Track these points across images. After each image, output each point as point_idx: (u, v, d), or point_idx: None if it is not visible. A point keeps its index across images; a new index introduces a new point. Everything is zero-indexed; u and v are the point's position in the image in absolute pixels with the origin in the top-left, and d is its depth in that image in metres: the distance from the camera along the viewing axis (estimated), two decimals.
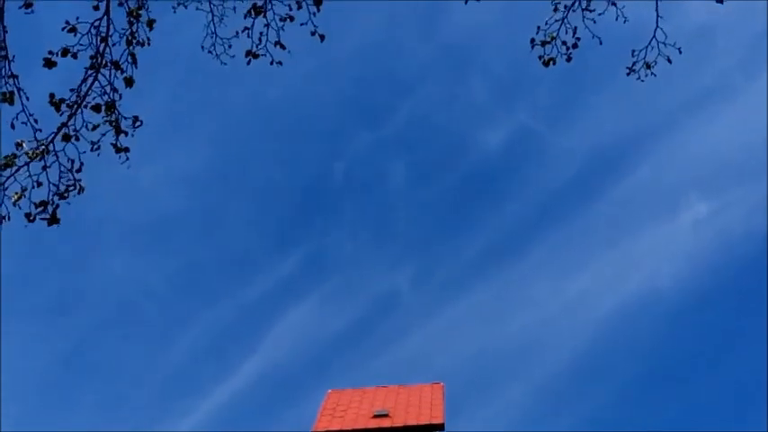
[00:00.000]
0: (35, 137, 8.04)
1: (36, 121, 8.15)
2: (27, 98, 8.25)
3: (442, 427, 22.79)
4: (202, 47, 9.45)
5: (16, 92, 8.23)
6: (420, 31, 38.76)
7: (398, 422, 23.04)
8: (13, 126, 8.09)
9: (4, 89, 8.19)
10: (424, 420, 22.99)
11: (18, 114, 8.16)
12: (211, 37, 9.44)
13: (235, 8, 9.41)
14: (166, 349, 43.47)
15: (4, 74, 8.27)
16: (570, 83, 40.75)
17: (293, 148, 44.87)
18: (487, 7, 9.91)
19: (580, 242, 44.09)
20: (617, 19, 9.89)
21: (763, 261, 35.31)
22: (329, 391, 25.02)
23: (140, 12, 8.37)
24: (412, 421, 23.04)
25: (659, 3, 9.92)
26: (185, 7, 8.83)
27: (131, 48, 8.47)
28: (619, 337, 42.28)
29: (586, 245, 44.97)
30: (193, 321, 43.83)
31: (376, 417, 23.37)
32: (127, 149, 8.25)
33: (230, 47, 9.49)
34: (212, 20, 9.40)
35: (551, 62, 10.01)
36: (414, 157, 45.77)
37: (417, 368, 43.76)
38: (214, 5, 9.36)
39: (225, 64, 9.49)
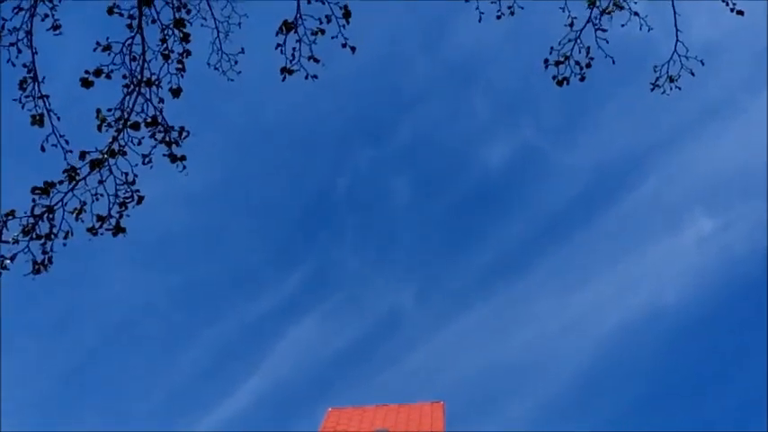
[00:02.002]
0: (65, 158, 8.05)
1: (67, 142, 8.16)
2: (58, 118, 8.26)
3: None
4: (208, 63, 9.48)
5: (46, 113, 8.25)
6: (424, 48, 38.92)
7: None
8: (43, 148, 8.10)
9: (33, 111, 8.21)
10: None
11: (48, 136, 8.18)
12: (217, 54, 9.49)
13: (240, 24, 9.47)
14: (168, 366, 43.30)
15: (33, 95, 8.27)
16: (574, 100, 41.05)
17: (296, 164, 44.90)
18: (491, 25, 10.03)
19: (584, 258, 44.23)
20: (641, 28, 10.01)
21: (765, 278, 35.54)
22: (329, 409, 24.97)
23: (184, 22, 8.41)
24: None
25: (665, 19, 10.06)
26: (190, 23, 8.85)
27: (169, 62, 8.51)
28: (622, 354, 42.33)
29: (590, 261, 45.10)
30: (195, 338, 43.68)
31: None
32: (183, 158, 8.30)
33: (236, 63, 9.54)
34: (218, 36, 9.44)
35: (565, 81, 10.11)
36: (417, 174, 45.88)
37: (419, 386, 43.71)
38: (219, 22, 9.40)
39: (232, 80, 9.54)
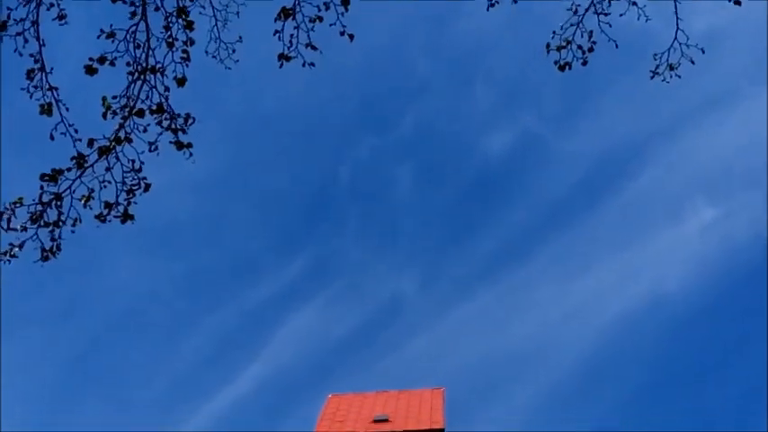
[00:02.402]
0: (74, 146, 8.11)
1: (76, 131, 8.22)
2: (67, 109, 8.30)
3: (442, 431, 22.82)
4: (206, 51, 9.50)
5: (54, 103, 8.29)
6: (426, 38, 38.87)
7: (398, 427, 23.06)
8: (52, 137, 8.16)
9: (41, 101, 8.25)
10: (424, 425, 23.01)
11: (57, 125, 8.22)
12: (215, 42, 9.52)
13: (238, 13, 9.49)
14: (171, 354, 43.44)
15: (42, 86, 8.31)
16: (575, 88, 41.00)
17: (298, 153, 44.93)
18: (492, 13, 10.02)
19: (585, 247, 44.26)
20: (638, 18, 10.02)
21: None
22: (330, 395, 25.02)
23: (188, 10, 8.45)
24: (412, 426, 23.06)
25: (666, 6, 10.07)
26: (188, 12, 8.87)
27: (173, 50, 8.55)
28: (624, 342, 42.38)
29: (592, 249, 45.13)
30: (198, 326, 43.81)
31: (376, 422, 23.39)
32: (190, 145, 8.35)
33: (234, 51, 9.56)
34: (216, 24, 9.47)
35: (567, 66, 10.13)
36: (419, 163, 45.90)
37: (421, 372, 43.80)
38: (217, 10, 9.42)
39: (229, 68, 9.57)
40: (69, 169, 7.87)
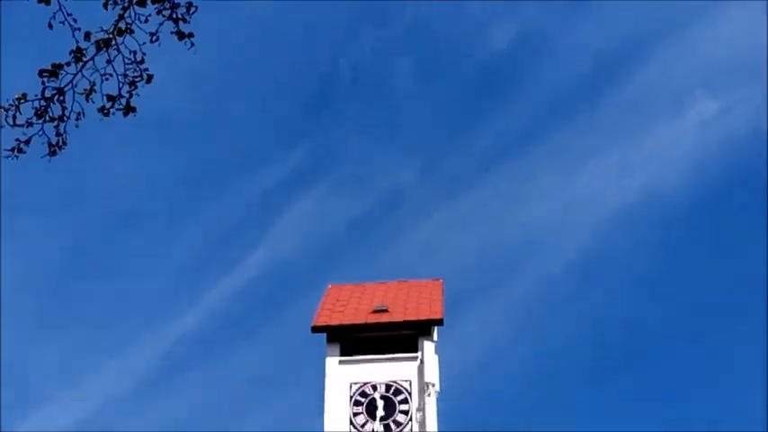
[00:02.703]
0: (74, 36, 8.02)
1: (75, 20, 8.11)
2: None
3: (440, 322, 23.10)
4: None
5: None
6: None
7: (397, 317, 23.30)
8: (50, 26, 8.07)
9: None
10: (423, 316, 23.25)
11: (55, 14, 8.11)
12: None
13: None
14: (172, 244, 43.78)
15: None
16: None
17: (300, 45, 44.35)
18: None
19: (585, 140, 44.25)
20: None
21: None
22: (330, 285, 25.25)
23: None
24: (411, 316, 23.30)
25: None
26: None
27: None
28: (622, 235, 42.75)
29: (591, 143, 45.10)
30: (199, 216, 44.04)
31: (375, 312, 23.64)
32: (191, 35, 8.27)
33: None
34: None
35: None
36: (421, 55, 45.40)
37: (420, 264, 44.25)
38: None
39: None
40: (68, 63, 7.84)
